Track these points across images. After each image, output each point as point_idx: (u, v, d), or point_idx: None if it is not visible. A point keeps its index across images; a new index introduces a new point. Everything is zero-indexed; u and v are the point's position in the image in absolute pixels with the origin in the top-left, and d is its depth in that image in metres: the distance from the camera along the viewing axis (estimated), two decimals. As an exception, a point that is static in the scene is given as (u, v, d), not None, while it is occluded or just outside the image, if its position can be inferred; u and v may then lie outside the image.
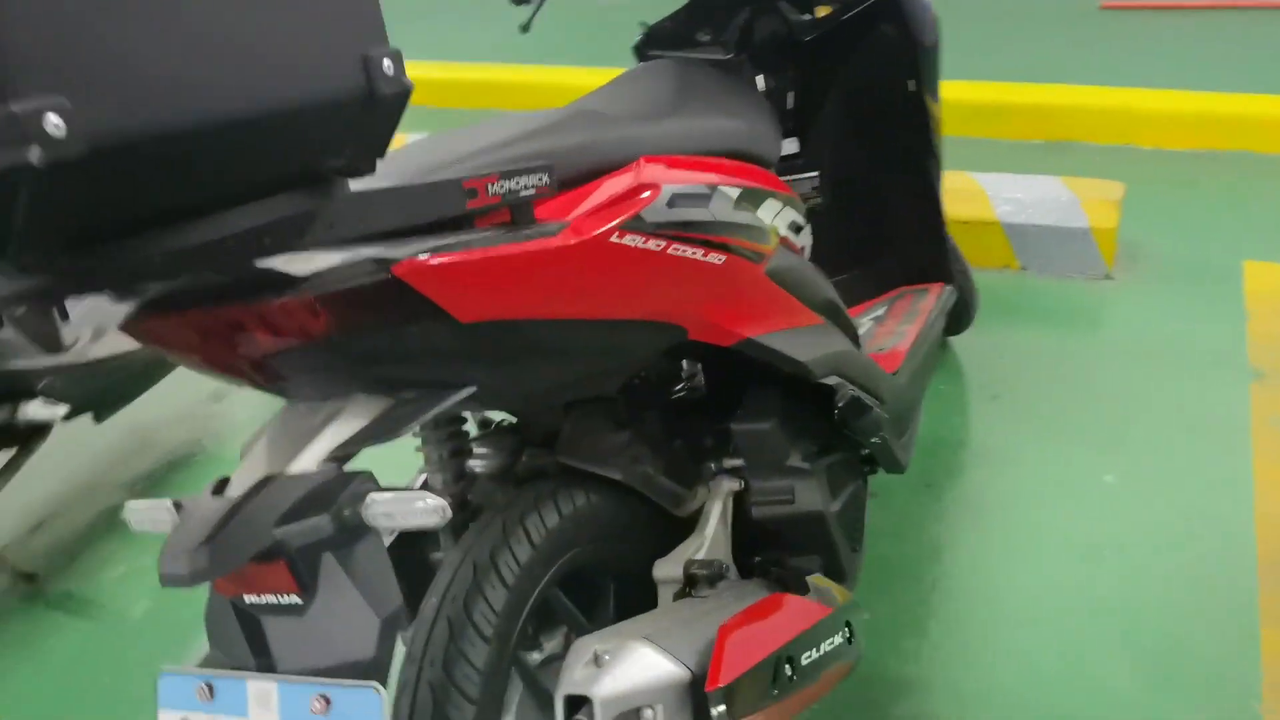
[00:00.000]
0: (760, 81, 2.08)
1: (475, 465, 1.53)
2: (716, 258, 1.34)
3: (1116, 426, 2.44)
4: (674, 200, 1.28)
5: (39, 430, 2.21)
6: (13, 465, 2.25)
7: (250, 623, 1.09)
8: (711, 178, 1.37)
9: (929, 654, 1.91)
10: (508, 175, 1.12)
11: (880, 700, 1.83)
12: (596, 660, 1.21)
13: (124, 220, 0.76)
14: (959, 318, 2.66)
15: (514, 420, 1.59)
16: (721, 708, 1.19)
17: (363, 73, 0.86)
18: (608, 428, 1.49)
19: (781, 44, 2.08)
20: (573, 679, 1.19)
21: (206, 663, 1.11)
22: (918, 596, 2.05)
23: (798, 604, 1.42)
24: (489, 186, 1.10)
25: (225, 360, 1.09)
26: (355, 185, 1.00)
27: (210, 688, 1.08)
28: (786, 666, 1.32)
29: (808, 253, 1.71)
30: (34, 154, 0.62)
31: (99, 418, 2.36)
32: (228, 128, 0.76)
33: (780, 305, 1.49)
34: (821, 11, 2.08)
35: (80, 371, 2.18)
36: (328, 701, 1.02)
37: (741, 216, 1.40)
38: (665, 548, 1.52)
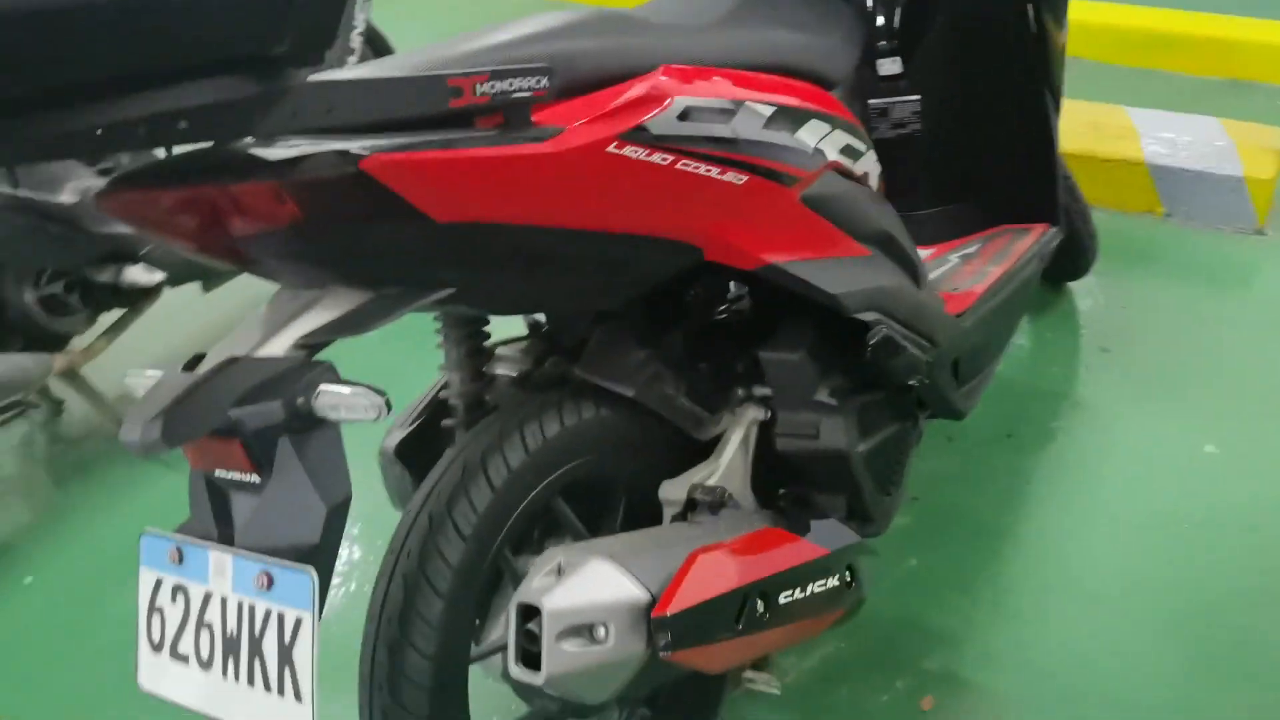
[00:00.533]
0: (867, -4, 1.98)
1: (500, 369, 1.53)
2: (736, 177, 1.29)
3: (1232, 395, 2.26)
4: (688, 113, 1.22)
5: (146, 293, 2.34)
6: (120, 324, 2.40)
7: (219, 496, 1.14)
8: (740, 92, 1.30)
9: (970, 611, 1.85)
10: (499, 75, 1.09)
11: (908, 650, 1.79)
12: (559, 571, 1.21)
13: (42, 92, 0.78)
14: (1074, 263, 2.49)
15: (547, 329, 1.58)
16: (666, 635, 1.17)
17: None
18: (629, 343, 1.46)
19: (893, -43, 1.96)
20: (529, 587, 1.19)
21: (184, 530, 1.16)
22: (974, 551, 1.97)
23: (788, 541, 1.38)
24: (477, 86, 1.08)
25: (199, 240, 1.11)
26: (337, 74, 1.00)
27: (180, 553, 1.13)
28: (759, 602, 1.28)
29: (873, 180, 1.62)
30: None
31: (206, 287, 2.48)
32: (129, 6, 0.76)
33: (815, 233, 1.42)
34: (937, -79, 1.95)
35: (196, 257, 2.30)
36: (270, 579, 1.05)
37: (772, 136, 1.33)
38: (683, 469, 1.50)
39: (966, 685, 1.71)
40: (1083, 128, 2.90)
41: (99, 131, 0.84)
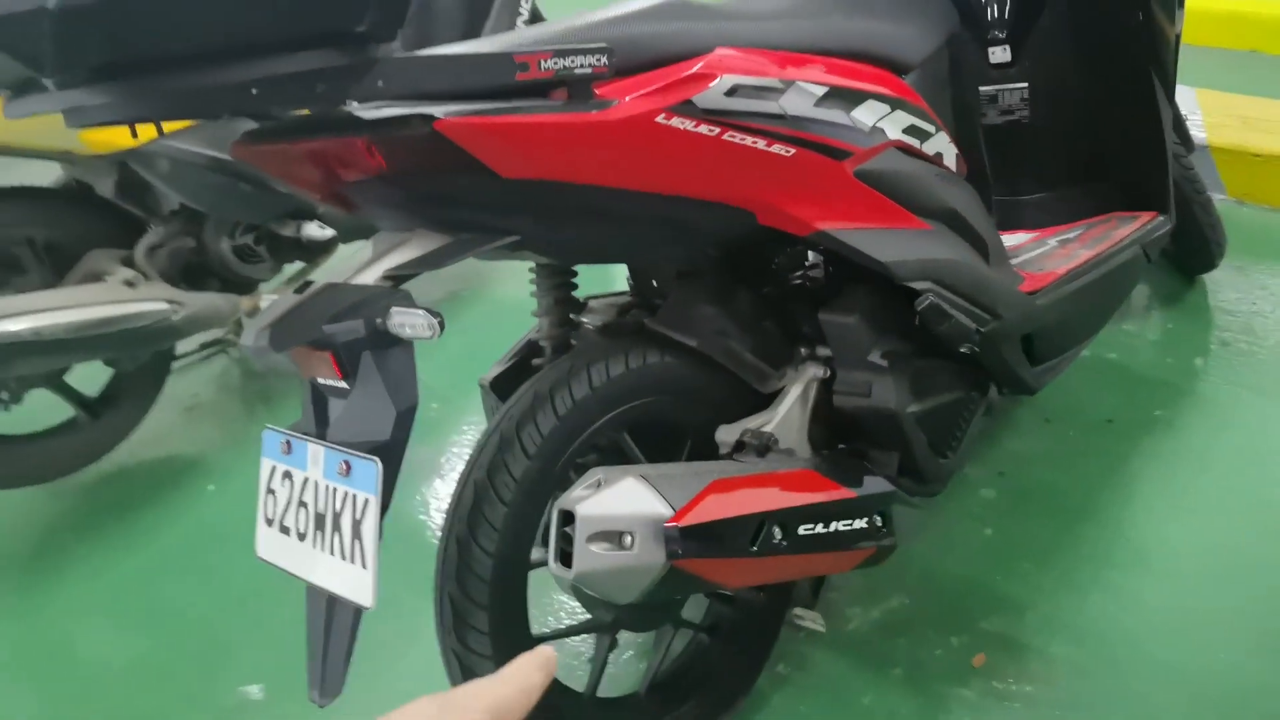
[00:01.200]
0: (978, -15, 2.05)
1: (588, 318, 1.73)
2: (784, 149, 1.43)
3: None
4: (735, 89, 1.37)
5: (322, 247, 2.66)
6: (302, 274, 2.73)
7: (320, 399, 1.37)
8: (791, 72, 1.44)
9: (1040, 580, 1.91)
10: (562, 53, 1.27)
11: (970, 611, 1.87)
12: (598, 485, 1.39)
13: (148, 58, 1.01)
14: (1199, 254, 2.47)
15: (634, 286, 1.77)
16: (676, 544, 1.33)
17: None
18: (701, 300, 1.63)
19: (1005, -54, 2.03)
20: (568, 496, 1.38)
21: (294, 427, 1.41)
22: (1052, 526, 2.03)
23: (814, 480, 1.51)
24: (541, 62, 1.26)
25: (311, 185, 1.35)
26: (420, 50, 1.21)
27: (289, 444, 1.37)
28: (776, 530, 1.43)
29: (948, 160, 1.72)
30: (50, 0, 0.87)
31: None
32: None
33: (869, 205, 1.54)
34: (1049, -86, 2.00)
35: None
36: (348, 467, 1.28)
37: (823, 114, 1.46)
38: (743, 417, 1.65)
39: (1021, 647, 1.79)
40: (1234, 121, 2.84)
41: (217, 92, 1.08)
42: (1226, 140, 2.80)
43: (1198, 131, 2.77)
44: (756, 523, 1.42)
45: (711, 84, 1.36)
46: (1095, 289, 1.95)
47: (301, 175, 1.35)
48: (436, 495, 2.32)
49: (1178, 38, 2.07)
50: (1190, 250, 2.46)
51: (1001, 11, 2.07)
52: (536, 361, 1.69)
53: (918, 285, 1.58)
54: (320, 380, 1.36)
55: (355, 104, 1.27)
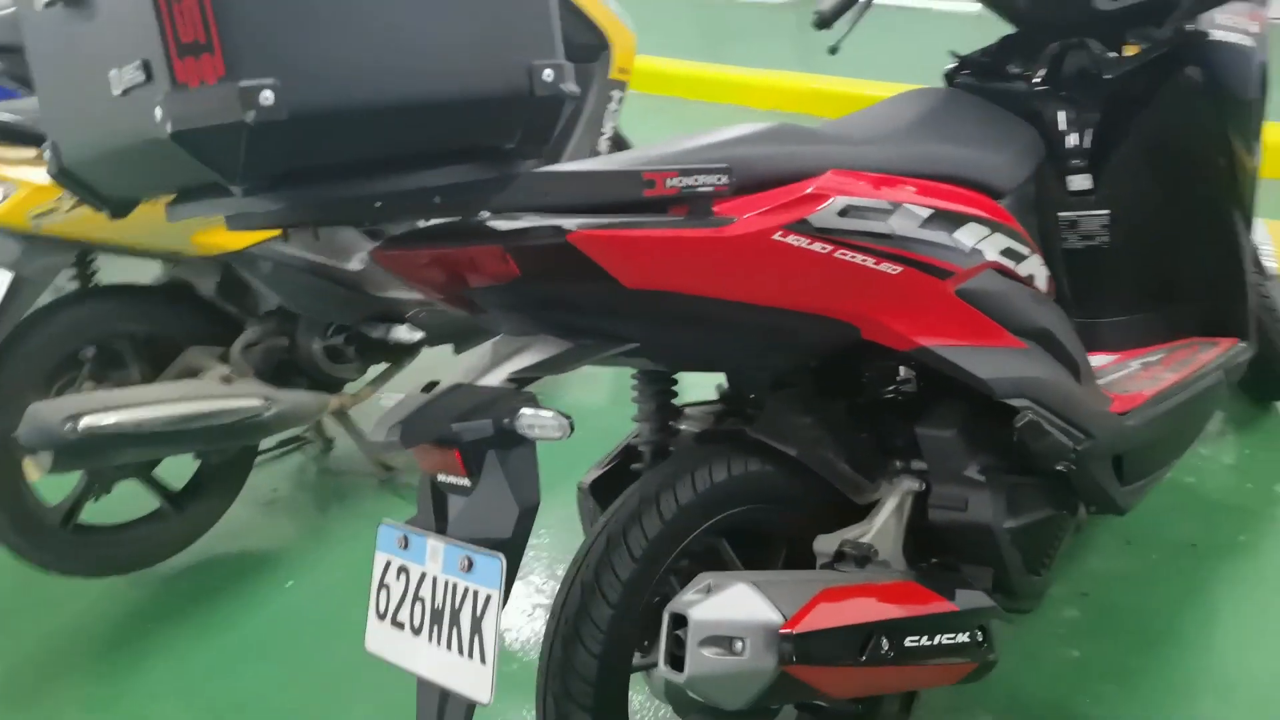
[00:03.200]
0: (1061, 118, 2.13)
1: (685, 425, 1.77)
2: (891, 268, 1.49)
3: None
4: (847, 210, 1.44)
5: (407, 350, 2.74)
6: (386, 375, 2.80)
7: (439, 496, 1.42)
8: (899, 195, 1.51)
9: (1124, 704, 1.89)
10: (686, 172, 1.35)
11: (1055, 731, 1.85)
12: (708, 590, 1.41)
13: (328, 168, 1.09)
14: (1274, 382, 2.49)
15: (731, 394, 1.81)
16: (791, 650, 1.35)
17: (526, 78, 1.13)
18: (799, 410, 1.67)
19: (1088, 80, 2.10)
20: (680, 600, 1.40)
21: (411, 522, 1.45)
22: (1139, 651, 2.01)
23: (917, 591, 1.53)
24: (667, 180, 1.34)
25: (445, 290, 1.42)
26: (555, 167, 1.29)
27: (406, 539, 1.41)
28: (883, 640, 1.44)
29: (1039, 282, 1.77)
30: (249, 116, 0.95)
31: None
32: (403, 109, 1.07)
33: (969, 323, 1.59)
34: (1130, 51, 2.08)
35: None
36: (470, 562, 1.31)
37: (928, 234, 1.53)
38: (841, 528, 1.67)
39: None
40: (1305, 250, 2.88)
41: (377, 203, 1.16)
42: (1297, 269, 2.83)
43: (1269, 261, 2.81)
44: (865, 633, 1.43)
45: (825, 204, 1.43)
46: (1182, 411, 1.97)
47: (433, 279, 1.42)
48: (516, 595, 2.34)
49: (1256, 171, 2.13)
50: (1266, 377, 2.47)
51: (1082, 140, 2.14)
52: (635, 466, 1.73)
53: (1015, 403, 1.62)
54: (441, 478, 1.40)
55: (486, 214, 1.35)
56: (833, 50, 2.23)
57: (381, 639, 1.43)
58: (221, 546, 2.63)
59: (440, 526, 1.41)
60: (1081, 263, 2.21)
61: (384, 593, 1.43)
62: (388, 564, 1.43)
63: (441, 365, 3.14)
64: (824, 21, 2.17)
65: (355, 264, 2.53)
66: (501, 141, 1.18)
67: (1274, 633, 2.00)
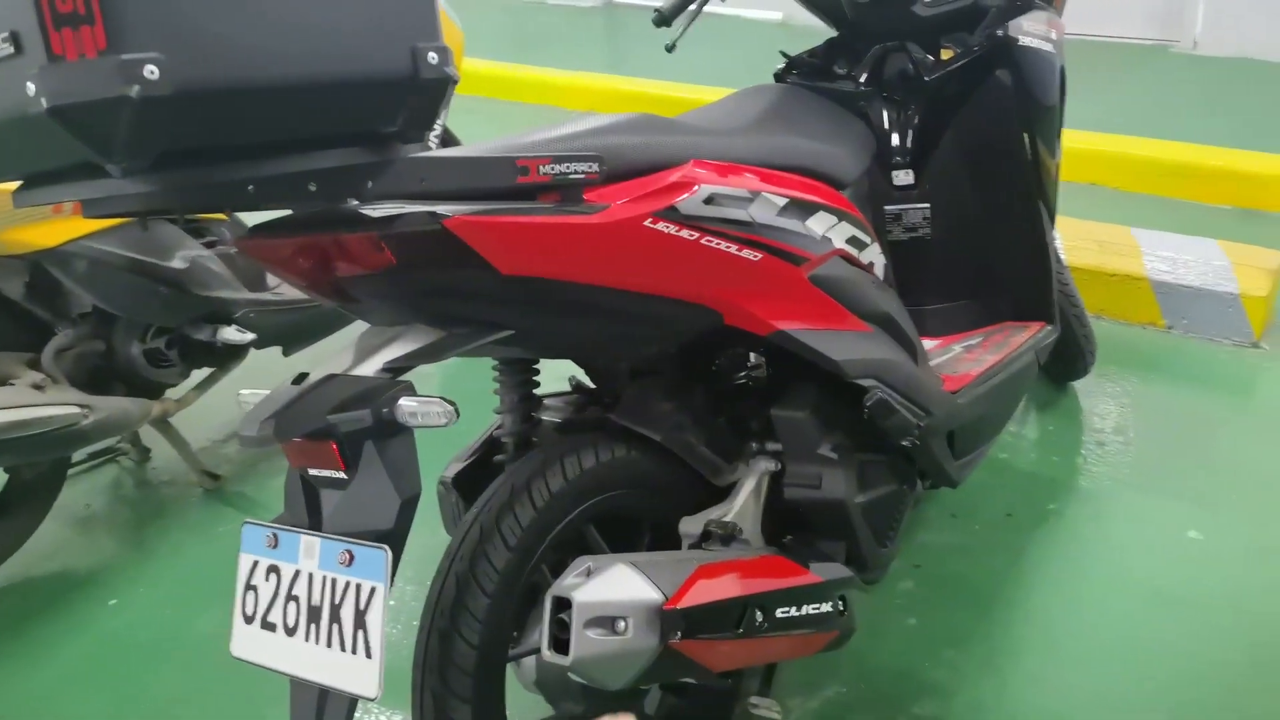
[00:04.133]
0: (885, 117, 2.25)
1: (546, 415, 1.78)
2: (751, 254, 1.54)
3: (1218, 489, 2.44)
4: (712, 198, 1.49)
5: (234, 353, 2.63)
6: (210, 380, 2.68)
7: (311, 491, 1.37)
8: (758, 184, 1.57)
9: (963, 666, 2.02)
10: (558, 160, 1.36)
11: (901, 697, 1.96)
12: (588, 573, 1.42)
13: (207, 149, 1.05)
14: (1073, 363, 2.70)
15: (590, 385, 1.83)
16: (674, 627, 1.38)
17: (410, 60, 1.12)
18: (659, 396, 1.71)
19: (909, 82, 2.23)
20: (562, 584, 1.41)
21: (278, 521, 1.40)
22: (970, 615, 2.15)
23: (784, 565, 1.59)
24: (540, 167, 1.35)
25: (314, 279, 1.38)
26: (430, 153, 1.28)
27: (275, 538, 1.36)
28: (757, 612, 1.49)
29: (878, 270, 1.87)
30: (134, 90, 0.91)
31: (287, 351, 2.76)
32: (288, 89, 1.04)
33: (821, 308, 1.66)
34: (946, 55, 2.22)
35: (274, 308, 2.59)
36: (351, 556, 1.28)
37: (784, 222, 1.59)
38: (701, 510, 1.72)
39: (953, 730, 1.88)
40: (1091, 245, 3.14)
41: (250, 186, 1.12)
42: (1084, 262, 3.09)
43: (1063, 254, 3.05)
44: (741, 605, 1.48)
45: (691, 192, 1.46)
46: (1003, 389, 2.12)
47: (303, 269, 1.37)
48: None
49: (1058, 168, 2.31)
50: (1066, 359, 2.68)
51: (904, 138, 2.27)
52: (499, 458, 1.72)
53: (864, 383, 1.70)
54: (313, 471, 1.36)
55: (356, 201, 1.32)
56: (669, 48, 2.29)
57: (249, 643, 1.37)
58: (36, 567, 2.46)
59: (314, 522, 1.36)
60: (906, 253, 2.35)
61: (251, 595, 1.37)
62: (255, 565, 1.38)
63: (273, 366, 3.07)
64: (663, 20, 2.22)
65: (178, 262, 2.40)
66: (383, 125, 1.17)
67: (1088, 591, 2.17)
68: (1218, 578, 2.17)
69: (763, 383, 1.90)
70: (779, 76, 2.33)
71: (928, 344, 2.34)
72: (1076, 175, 3.80)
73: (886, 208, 2.33)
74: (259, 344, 2.60)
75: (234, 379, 2.72)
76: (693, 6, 2.23)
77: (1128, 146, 4.00)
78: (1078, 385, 2.84)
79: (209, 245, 2.53)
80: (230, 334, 2.51)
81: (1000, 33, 2.15)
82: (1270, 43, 5.14)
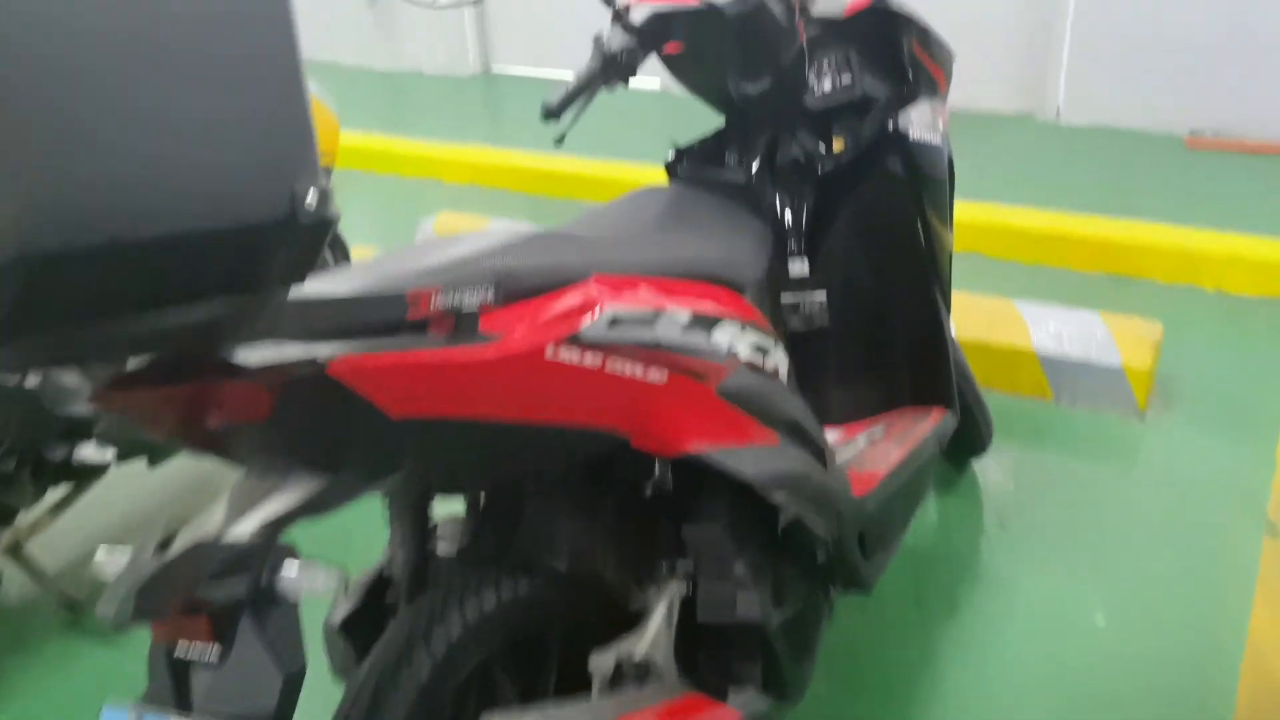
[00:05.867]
0: (779, 206, 2.21)
1: (438, 547, 1.66)
2: (658, 375, 1.46)
3: (1120, 565, 2.44)
4: (616, 320, 1.40)
5: (94, 470, 2.42)
6: (67, 500, 2.47)
7: (179, 667, 1.23)
8: (662, 300, 1.49)
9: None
10: (450, 289, 1.26)
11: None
12: (496, 735, 1.31)
13: (71, 308, 0.92)
14: (972, 441, 2.69)
15: (480, 505, 1.72)
16: None
17: (288, 204, 1.01)
18: (562, 518, 1.61)
19: (801, 171, 2.20)
20: (470, 750, 1.29)
21: (145, 699, 1.25)
22: (885, 701, 2.09)
23: (703, 705, 1.50)
24: (431, 298, 1.25)
25: (183, 433, 1.24)
26: (311, 290, 1.17)
27: (140, 720, 1.21)
28: (679, 764, 1.40)
29: (782, 373, 1.80)
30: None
31: (152, 462, 2.57)
32: (155, 242, 0.92)
33: (730, 422, 1.59)
34: (838, 144, 2.20)
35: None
36: (228, 743, 1.14)
37: (689, 339, 1.51)
38: (613, 637, 1.61)
39: None
40: (978, 318, 3.16)
41: (122, 342, 0.99)
42: (972, 336, 3.10)
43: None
44: (662, 760, 1.38)
45: (594, 316, 1.38)
46: (910, 486, 2.08)
47: (171, 422, 1.24)
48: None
49: (950, 250, 2.30)
50: (963, 437, 2.67)
51: (799, 228, 2.23)
52: (389, 599, 1.59)
53: (777, 497, 1.63)
54: (182, 645, 1.22)
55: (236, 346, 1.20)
56: (559, 141, 2.21)
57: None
58: None
59: (183, 702, 1.22)
60: (805, 341, 2.30)
61: (113, 785, 1.22)
62: (117, 752, 1.22)
63: (139, 483, 2.87)
64: (551, 113, 2.14)
65: (30, 379, 2.21)
66: (260, 271, 1.05)
67: (1005, 685, 2.13)
68: (1126, 661, 2.16)
69: (669, 497, 1.81)
70: (670, 168, 2.28)
71: (830, 434, 2.29)
72: (956, 245, 3.85)
73: (783, 296, 2.29)
74: (121, 457, 2.41)
75: (96, 496, 2.53)
76: (581, 99, 2.16)
77: (1003, 215, 4.08)
78: (973, 462, 2.83)
79: (63, 355, 2.34)
80: (88, 451, 2.31)
81: (890, 127, 2.13)
82: (1128, 111, 5.35)
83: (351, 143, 5.73)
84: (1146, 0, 5.14)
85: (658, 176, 2.31)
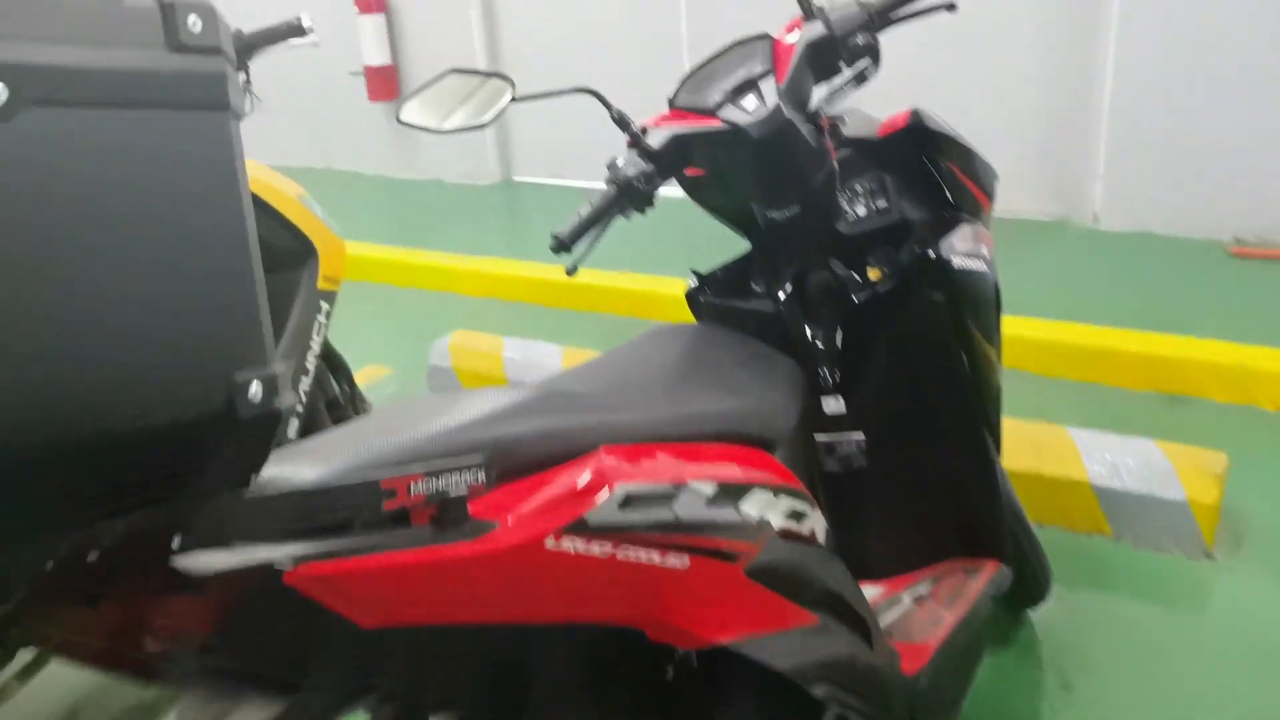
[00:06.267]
0: (809, 339, 2.03)
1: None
2: (678, 560, 1.26)
3: (1200, 736, 2.18)
4: (629, 500, 1.21)
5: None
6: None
7: None
8: (682, 471, 1.30)
9: None
10: (433, 474, 1.08)
11: None
12: None
13: None
14: (1028, 591, 2.46)
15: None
16: None
17: (225, 396, 0.84)
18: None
19: (834, 302, 2.02)
20: None
21: None
22: None
23: None
24: (411, 486, 1.07)
25: (111, 658, 1.05)
26: (271, 478, 0.99)
27: None
28: None
29: (819, 535, 1.60)
30: None
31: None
32: (80, 448, 0.75)
33: (761, 606, 1.39)
34: (874, 274, 2.03)
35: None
36: None
37: (716, 514, 1.32)
38: None
39: None
40: (1026, 446, 2.94)
41: (48, 565, 0.82)
42: (1022, 466, 2.88)
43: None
44: None
45: (604, 497, 1.19)
46: (964, 654, 1.86)
47: (94, 648, 1.05)
48: None
49: (999, 391, 2.11)
50: (1020, 585, 2.44)
51: (832, 364, 2.05)
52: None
53: (818, 691, 1.42)
54: None
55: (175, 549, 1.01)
56: (570, 271, 2.05)
57: None
58: None
59: None
60: (842, 486, 2.10)
61: None
62: None
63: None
64: (562, 245, 1.98)
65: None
66: (194, 476, 0.88)
67: None
68: None
69: (693, 674, 1.60)
70: (691, 298, 2.11)
71: (871, 591, 2.08)
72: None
73: (818, 437, 2.10)
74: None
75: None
76: (594, 229, 2.01)
77: (1047, 332, 3.88)
78: (1030, 613, 2.58)
79: None
80: None
81: (931, 254, 1.96)
82: (1169, 217, 5.19)
83: (369, 255, 5.65)
84: (1183, 102, 5.01)
85: (680, 290, 2.14)
